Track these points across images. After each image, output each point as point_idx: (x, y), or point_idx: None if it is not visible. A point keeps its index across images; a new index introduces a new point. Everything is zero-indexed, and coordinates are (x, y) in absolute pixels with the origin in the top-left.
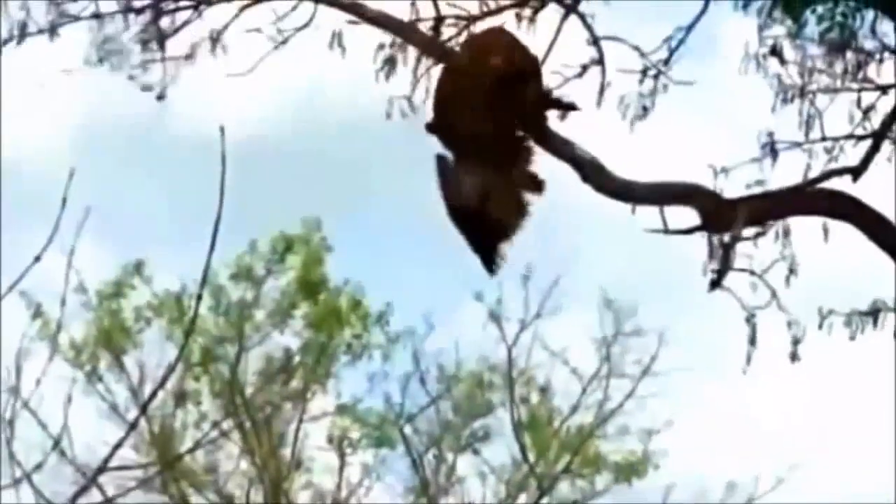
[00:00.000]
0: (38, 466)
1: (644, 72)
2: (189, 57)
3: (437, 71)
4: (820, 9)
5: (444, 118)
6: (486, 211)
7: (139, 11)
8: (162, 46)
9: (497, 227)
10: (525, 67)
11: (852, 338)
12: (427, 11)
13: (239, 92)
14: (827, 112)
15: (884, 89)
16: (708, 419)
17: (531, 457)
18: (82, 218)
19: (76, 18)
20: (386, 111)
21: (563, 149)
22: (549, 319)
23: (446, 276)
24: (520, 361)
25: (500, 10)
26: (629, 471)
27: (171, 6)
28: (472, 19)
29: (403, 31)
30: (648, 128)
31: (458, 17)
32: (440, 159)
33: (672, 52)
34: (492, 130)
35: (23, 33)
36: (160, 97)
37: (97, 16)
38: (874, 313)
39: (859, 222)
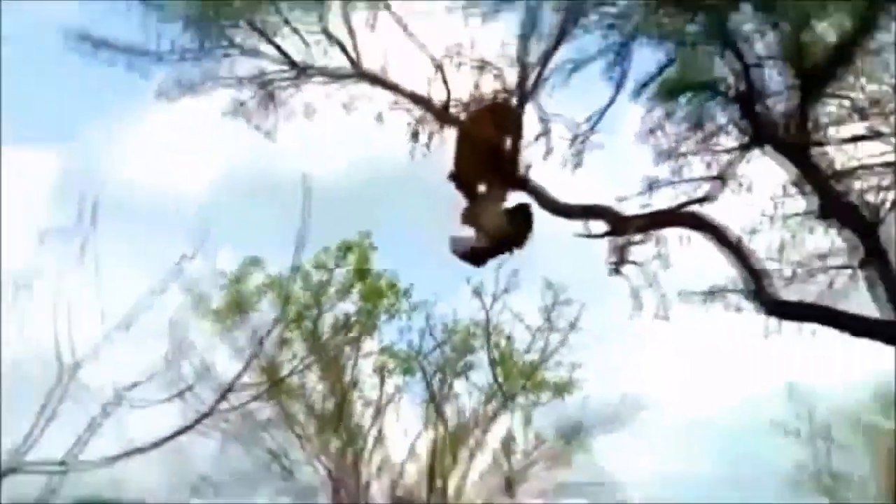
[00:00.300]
0: (190, 387)
1: (574, 138)
2: (288, 116)
3: (451, 135)
4: (684, 99)
5: (458, 169)
6: (499, 241)
7: (263, 84)
8: (273, 106)
9: (508, 245)
10: (506, 136)
11: (704, 305)
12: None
13: (321, 142)
14: (689, 164)
15: (728, 151)
16: (611, 358)
17: (500, 380)
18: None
19: (212, 81)
20: (410, 152)
21: (526, 185)
22: (512, 294)
23: (447, 269)
24: (493, 320)
25: (485, 99)
26: (562, 389)
27: (282, 83)
28: (466, 105)
29: (426, 104)
30: (579, 173)
31: (460, 102)
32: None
33: (593, 125)
34: (487, 176)
35: (177, 91)
36: (269, 136)
37: (240, 79)
38: (713, 293)
39: (706, 232)
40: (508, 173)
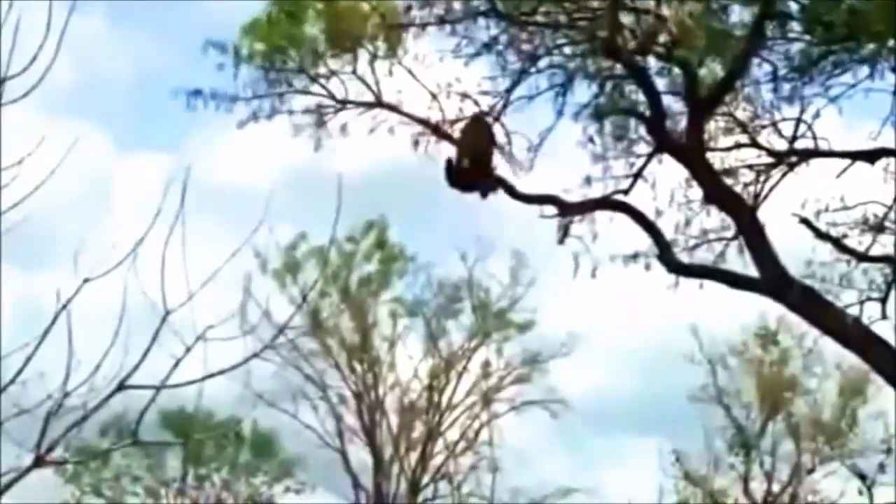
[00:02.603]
0: (255, 327)
1: (530, 148)
2: (325, 130)
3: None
4: (607, 123)
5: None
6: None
7: (312, 112)
8: (321, 126)
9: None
10: (482, 145)
11: (624, 266)
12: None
13: (351, 149)
14: (614, 165)
15: (640, 156)
16: (560, 305)
17: (479, 321)
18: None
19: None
20: (413, 143)
21: (498, 179)
22: (488, 259)
23: (443, 240)
24: (475, 278)
25: (469, 117)
26: (525, 328)
27: (326, 110)
28: (453, 123)
29: (425, 123)
30: (536, 172)
31: (449, 121)
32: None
33: (543, 139)
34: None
35: (253, 120)
36: (316, 148)
37: (290, 111)
38: (633, 257)
39: (627, 213)
40: (485, 167)
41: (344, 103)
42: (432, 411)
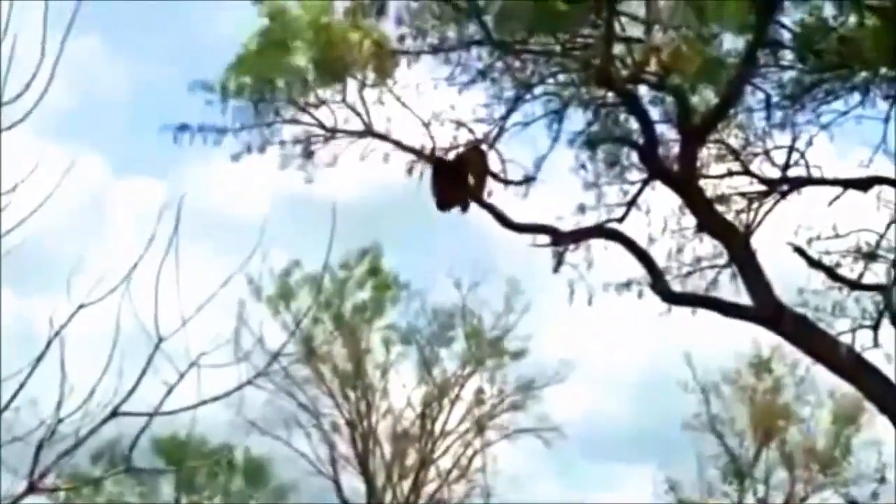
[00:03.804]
0: (248, 354)
1: (525, 179)
2: (313, 162)
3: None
4: (601, 150)
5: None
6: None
7: (301, 142)
8: (310, 157)
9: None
10: (475, 171)
11: (617, 294)
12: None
13: (344, 177)
14: (607, 193)
15: (633, 183)
16: (554, 332)
17: (473, 348)
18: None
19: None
20: (407, 171)
21: (492, 209)
22: (481, 286)
23: (436, 267)
24: (468, 305)
25: (464, 145)
26: (518, 355)
27: (316, 139)
28: (446, 151)
29: (417, 152)
30: (530, 200)
31: (442, 149)
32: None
33: (538, 166)
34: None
35: (245, 152)
36: (308, 181)
37: (282, 142)
38: (626, 285)
39: (620, 242)
40: (476, 195)
41: (334, 132)
42: (425, 439)
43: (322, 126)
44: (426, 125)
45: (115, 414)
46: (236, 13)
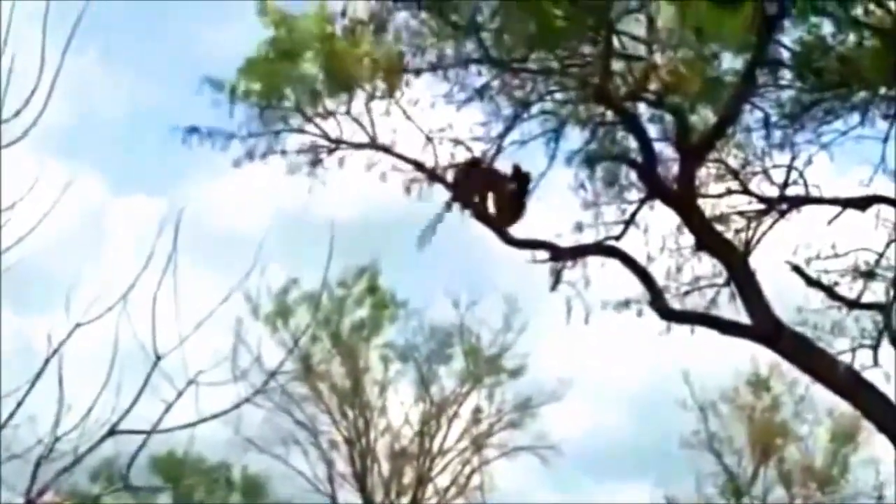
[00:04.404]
0: (245, 372)
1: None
2: (315, 173)
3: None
4: (599, 169)
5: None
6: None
7: (305, 151)
8: (315, 166)
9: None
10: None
11: (616, 312)
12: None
13: (345, 193)
14: (605, 211)
15: (631, 202)
16: (552, 350)
17: (470, 366)
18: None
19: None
20: (405, 189)
21: (492, 224)
22: (479, 305)
23: (434, 286)
24: (466, 323)
25: (460, 163)
26: (516, 373)
27: (321, 151)
28: (446, 168)
29: (419, 167)
30: (526, 223)
31: (442, 167)
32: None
33: (535, 184)
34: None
35: (247, 160)
36: (310, 189)
37: (284, 152)
38: (625, 303)
39: (617, 257)
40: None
41: (338, 143)
42: (423, 457)
43: (327, 137)
44: (429, 139)
45: (113, 432)
46: (239, 31)
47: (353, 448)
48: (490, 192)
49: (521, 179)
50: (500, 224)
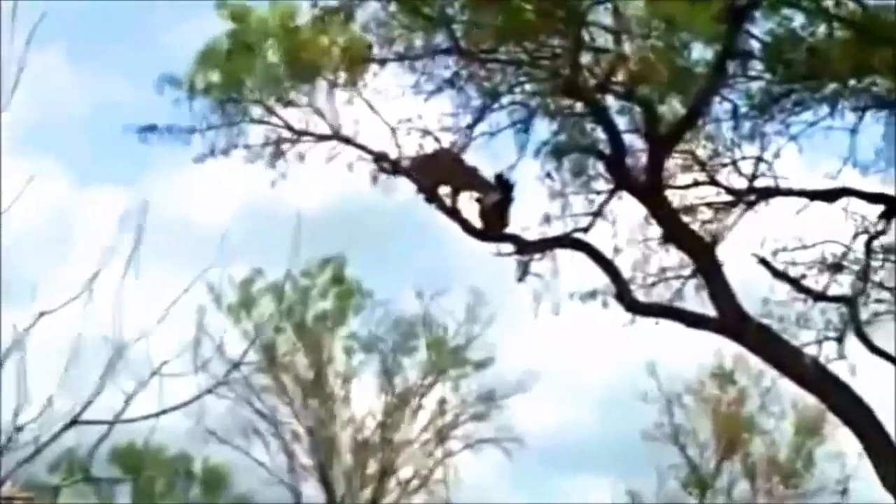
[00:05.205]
0: (208, 362)
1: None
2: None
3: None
4: (567, 160)
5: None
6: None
7: (268, 144)
8: (278, 158)
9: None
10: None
11: (582, 303)
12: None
13: (309, 184)
14: (575, 203)
15: (599, 193)
16: (517, 342)
17: (435, 358)
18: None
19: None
20: (372, 179)
21: (457, 216)
22: (444, 296)
23: (399, 276)
24: (431, 314)
25: (427, 154)
26: (481, 365)
27: (284, 143)
28: (412, 160)
29: (384, 158)
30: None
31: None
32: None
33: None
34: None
35: (209, 155)
36: (273, 182)
37: (246, 146)
38: (591, 295)
39: (583, 250)
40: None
41: (301, 134)
42: (386, 449)
43: (290, 128)
44: (394, 130)
45: (74, 422)
46: (202, 27)
47: (315, 439)
48: (454, 180)
49: (504, 188)
50: (487, 232)
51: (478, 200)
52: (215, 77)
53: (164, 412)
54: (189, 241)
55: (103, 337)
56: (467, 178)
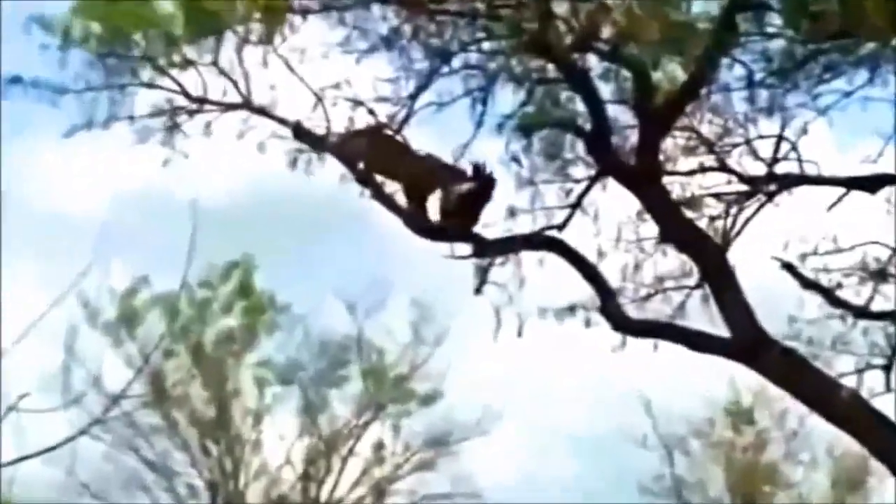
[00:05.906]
0: (81, 395)
1: None
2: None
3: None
4: (537, 138)
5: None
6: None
7: (159, 114)
8: (172, 132)
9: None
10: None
11: (557, 321)
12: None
13: (209, 168)
14: (545, 193)
15: (578, 181)
16: (474, 370)
17: (371, 390)
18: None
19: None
20: (289, 163)
21: (398, 209)
22: (382, 311)
23: (323, 286)
24: (365, 334)
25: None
26: (429, 400)
27: (179, 112)
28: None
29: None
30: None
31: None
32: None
33: (457, 159)
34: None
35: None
36: (165, 163)
37: (131, 117)
38: (568, 310)
39: (559, 251)
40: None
41: (202, 102)
42: None
43: (187, 94)
44: (320, 99)
45: None
46: None
47: (217, 495)
48: (406, 171)
49: (483, 181)
50: (449, 228)
51: (442, 189)
52: (95, 26)
53: (22, 459)
54: (57, 240)
55: None
56: (417, 164)
